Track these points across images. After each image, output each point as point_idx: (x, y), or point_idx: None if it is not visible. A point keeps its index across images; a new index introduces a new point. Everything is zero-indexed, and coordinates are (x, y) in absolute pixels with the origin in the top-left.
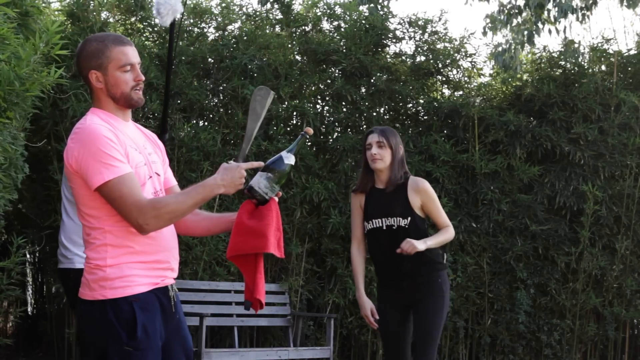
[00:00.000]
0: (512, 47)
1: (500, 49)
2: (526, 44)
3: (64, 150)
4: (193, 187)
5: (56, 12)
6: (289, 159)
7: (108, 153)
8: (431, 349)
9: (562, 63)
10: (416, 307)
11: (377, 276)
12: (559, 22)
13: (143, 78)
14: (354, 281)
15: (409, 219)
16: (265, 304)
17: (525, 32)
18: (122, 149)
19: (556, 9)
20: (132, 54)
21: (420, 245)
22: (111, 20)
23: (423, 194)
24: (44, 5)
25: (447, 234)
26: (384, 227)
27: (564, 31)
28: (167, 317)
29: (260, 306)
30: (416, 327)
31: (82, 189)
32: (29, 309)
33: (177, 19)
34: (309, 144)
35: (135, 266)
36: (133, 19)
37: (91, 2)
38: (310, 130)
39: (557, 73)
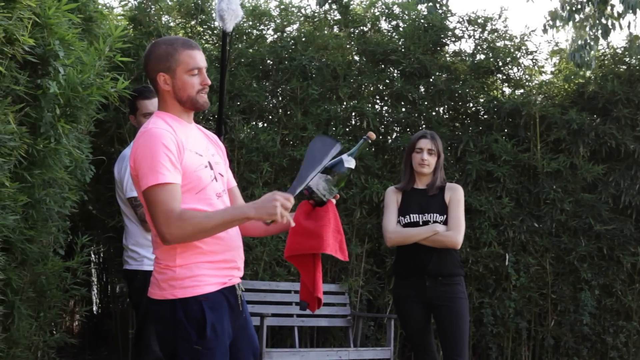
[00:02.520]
0: (587, 43)
1: (575, 45)
2: (601, 39)
3: (130, 153)
4: (227, 207)
5: (119, 17)
6: (350, 162)
7: (159, 160)
8: (466, 356)
9: (627, 59)
10: (441, 312)
11: (398, 274)
12: (623, 17)
13: (209, 82)
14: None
15: (445, 216)
16: (324, 304)
17: (600, 28)
18: (179, 156)
19: (622, 4)
20: (200, 58)
21: (437, 227)
22: (172, 24)
23: (453, 192)
24: (106, 10)
25: (446, 237)
26: (421, 223)
27: (628, 27)
28: (234, 315)
29: (319, 305)
30: (446, 336)
31: None
32: (94, 308)
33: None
34: (369, 143)
35: (204, 266)
36: (193, 22)
37: (152, 6)
38: (373, 135)
39: (622, 69)
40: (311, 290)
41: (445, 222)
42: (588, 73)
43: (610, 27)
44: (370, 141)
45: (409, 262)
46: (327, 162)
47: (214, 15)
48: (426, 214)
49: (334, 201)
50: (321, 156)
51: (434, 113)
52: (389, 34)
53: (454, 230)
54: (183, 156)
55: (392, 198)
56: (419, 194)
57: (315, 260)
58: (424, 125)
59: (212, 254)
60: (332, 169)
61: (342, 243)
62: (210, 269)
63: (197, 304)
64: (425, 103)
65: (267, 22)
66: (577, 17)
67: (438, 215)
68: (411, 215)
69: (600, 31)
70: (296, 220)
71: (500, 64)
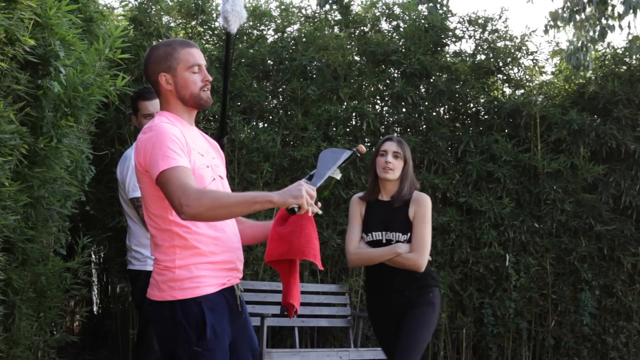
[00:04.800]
0: (584, 45)
1: (571, 47)
2: (598, 40)
3: (134, 151)
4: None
5: (119, 18)
6: (334, 172)
7: (168, 146)
8: None
9: (627, 60)
10: (405, 318)
11: (367, 289)
12: (623, 18)
13: (211, 78)
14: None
15: (409, 234)
16: (325, 304)
17: (597, 29)
18: (186, 147)
19: (622, 5)
20: (198, 55)
21: (399, 248)
22: (172, 24)
23: (418, 205)
24: (107, 11)
25: (407, 260)
26: (384, 241)
27: (629, 27)
28: (234, 316)
29: (295, 312)
30: (399, 338)
31: (149, 188)
32: (95, 308)
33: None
34: (369, 144)
35: (203, 267)
36: (194, 23)
37: (153, 6)
38: (363, 149)
39: (622, 70)
40: (285, 296)
41: (408, 241)
42: (588, 74)
43: (607, 29)
44: (359, 155)
45: (374, 281)
46: (341, 162)
47: (214, 15)
48: (389, 232)
49: (315, 209)
50: (334, 160)
51: (434, 113)
52: (390, 34)
53: (416, 252)
54: (189, 151)
55: (356, 211)
56: (383, 207)
57: (291, 267)
58: (424, 126)
59: (211, 255)
60: (314, 176)
61: (314, 249)
62: (210, 270)
63: (197, 306)
64: (426, 103)
65: (267, 23)
66: (577, 17)
67: (401, 234)
68: (374, 233)
69: (597, 33)
70: (273, 225)
71: (501, 64)
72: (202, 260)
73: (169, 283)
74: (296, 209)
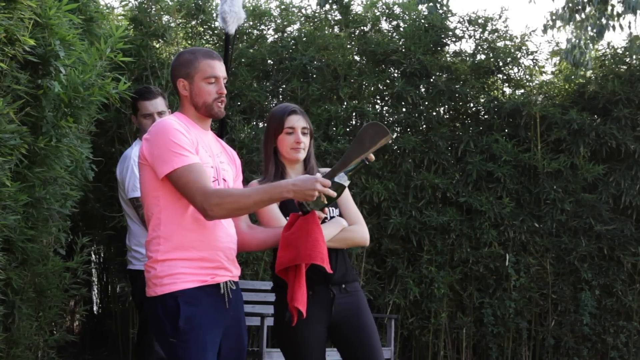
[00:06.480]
0: (582, 43)
1: (569, 45)
2: (596, 39)
3: (142, 141)
4: (264, 185)
5: (119, 17)
6: (341, 178)
7: (178, 143)
8: None
9: (627, 59)
10: (349, 331)
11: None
12: (623, 17)
13: (225, 92)
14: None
15: (338, 209)
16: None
17: (595, 28)
18: (193, 144)
19: (621, 4)
20: (218, 67)
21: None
22: (172, 24)
23: None
24: (107, 10)
25: (356, 233)
26: None
27: (629, 27)
28: (220, 313)
29: (300, 316)
30: (361, 352)
31: (148, 177)
32: (95, 308)
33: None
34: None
35: (182, 264)
36: (194, 22)
37: (153, 6)
38: (372, 157)
39: (622, 70)
40: (289, 300)
41: (339, 215)
42: (589, 73)
43: (605, 28)
44: (367, 162)
45: (307, 271)
46: (374, 150)
47: (214, 15)
48: None
49: (321, 215)
50: (370, 144)
51: (434, 113)
52: (390, 34)
53: (359, 225)
54: (197, 147)
55: None
56: None
57: (296, 272)
58: (424, 126)
59: (192, 250)
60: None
61: (322, 253)
62: (189, 267)
63: (173, 300)
64: (426, 103)
65: (267, 22)
66: (577, 17)
67: (333, 208)
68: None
69: (595, 31)
70: (282, 234)
71: (501, 64)
72: (183, 255)
73: (152, 280)
74: (308, 208)
